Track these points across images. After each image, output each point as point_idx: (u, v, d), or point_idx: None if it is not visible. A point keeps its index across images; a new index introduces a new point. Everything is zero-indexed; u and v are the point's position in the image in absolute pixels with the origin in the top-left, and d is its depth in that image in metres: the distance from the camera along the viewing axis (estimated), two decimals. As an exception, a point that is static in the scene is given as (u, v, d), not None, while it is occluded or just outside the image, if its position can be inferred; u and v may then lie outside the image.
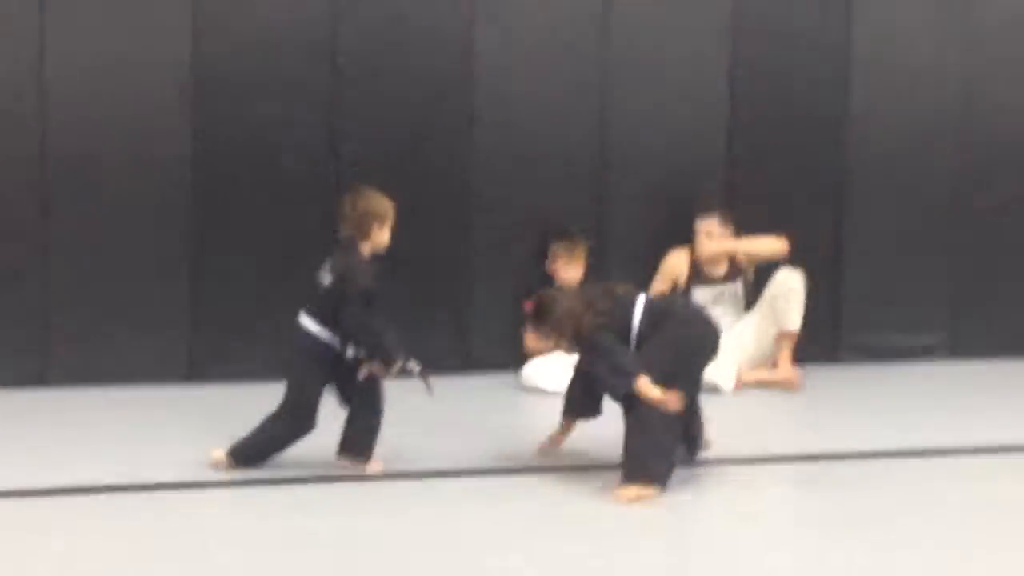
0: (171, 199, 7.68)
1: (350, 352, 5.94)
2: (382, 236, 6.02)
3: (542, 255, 8.13)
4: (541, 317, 6.04)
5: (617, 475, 5.79)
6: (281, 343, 6.17)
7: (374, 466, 6.03)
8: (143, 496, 5.73)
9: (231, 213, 7.78)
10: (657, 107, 8.31)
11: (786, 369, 8.01)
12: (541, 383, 7.71)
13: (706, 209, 8.12)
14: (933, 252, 8.86)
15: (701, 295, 8.05)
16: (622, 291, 6.09)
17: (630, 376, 5.77)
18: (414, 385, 5.99)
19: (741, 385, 7.93)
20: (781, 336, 8.03)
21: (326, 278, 5.93)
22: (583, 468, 6.16)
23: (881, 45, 8.65)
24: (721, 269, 8.20)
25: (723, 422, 6.78)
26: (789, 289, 8.04)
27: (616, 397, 5.90)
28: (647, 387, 5.74)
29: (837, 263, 8.71)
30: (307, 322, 5.95)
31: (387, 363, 5.89)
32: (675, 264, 8.17)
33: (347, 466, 6.03)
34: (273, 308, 7.20)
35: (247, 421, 6.03)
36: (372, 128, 7.92)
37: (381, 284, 5.97)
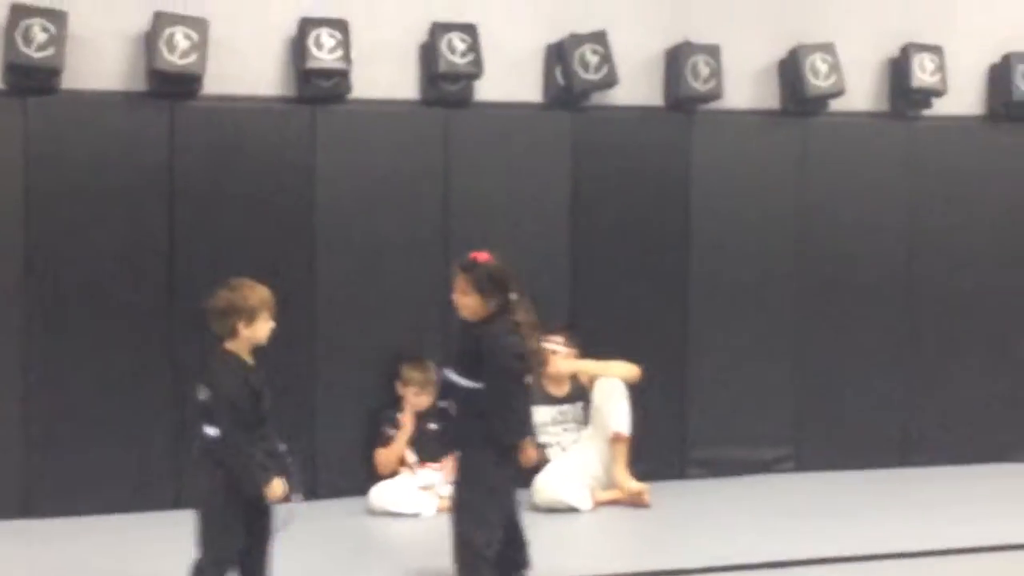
0: (3, 325, 7.59)
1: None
2: (255, 331, 5.59)
3: (391, 379, 8.11)
4: (479, 270, 5.89)
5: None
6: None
7: None
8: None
9: (64, 344, 7.68)
10: (500, 229, 8.38)
11: (627, 482, 8.02)
12: (389, 505, 7.66)
13: (551, 329, 8.19)
14: (776, 368, 9.01)
15: (541, 414, 8.07)
16: None
17: (522, 432, 5.89)
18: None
19: (597, 504, 7.94)
20: (612, 442, 8.07)
21: (202, 392, 5.56)
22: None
23: (720, 160, 8.87)
24: (564, 389, 8.25)
25: (577, 540, 6.78)
26: (609, 394, 8.11)
27: (500, 438, 5.84)
28: (530, 450, 5.94)
29: (681, 380, 8.80)
30: (207, 430, 5.52)
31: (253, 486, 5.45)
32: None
33: None
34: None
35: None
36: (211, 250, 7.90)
37: (261, 386, 5.61)
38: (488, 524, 5.83)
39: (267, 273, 7.80)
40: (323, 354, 8.10)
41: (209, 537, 5.52)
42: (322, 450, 8.08)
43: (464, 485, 5.91)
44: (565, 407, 8.23)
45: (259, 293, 5.64)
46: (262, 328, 5.62)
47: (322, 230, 8.13)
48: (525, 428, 6.00)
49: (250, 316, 5.59)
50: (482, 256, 5.93)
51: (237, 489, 5.48)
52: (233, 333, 5.59)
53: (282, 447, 5.65)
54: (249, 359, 5.66)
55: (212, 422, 5.52)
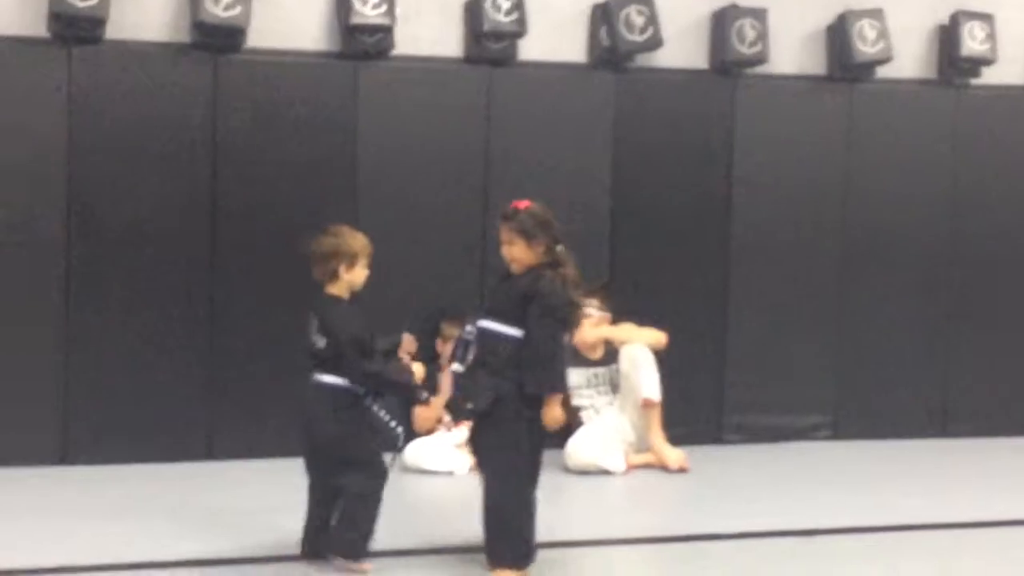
0: (46, 280, 7.62)
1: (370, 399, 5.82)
2: (353, 275, 5.85)
3: (432, 334, 8.11)
4: (521, 215, 5.79)
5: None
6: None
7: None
8: None
9: (104, 296, 7.72)
10: (541, 190, 8.33)
11: (665, 449, 8.02)
12: (423, 463, 7.69)
13: (586, 293, 8.16)
14: (816, 336, 8.97)
15: (576, 377, 8.07)
16: None
17: (556, 384, 5.70)
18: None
19: (631, 467, 7.94)
20: (643, 408, 8.06)
21: (319, 341, 5.77)
22: (462, 549, 6.10)
23: (764, 126, 8.81)
24: (597, 352, 8.23)
25: (610, 504, 6.78)
26: (635, 361, 8.08)
27: (536, 386, 5.67)
28: (557, 408, 5.69)
29: (721, 346, 8.78)
30: (323, 379, 5.77)
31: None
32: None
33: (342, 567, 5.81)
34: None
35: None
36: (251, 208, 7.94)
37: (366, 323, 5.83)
38: (523, 493, 5.74)
39: (307, 229, 7.91)
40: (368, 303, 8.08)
41: (362, 468, 5.78)
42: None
43: (495, 447, 5.78)
44: (599, 369, 8.21)
45: (359, 239, 5.89)
46: (360, 273, 5.86)
47: (363, 186, 8.12)
48: (561, 382, 5.83)
49: (351, 260, 5.83)
50: (523, 203, 5.86)
51: (372, 428, 5.82)
52: (334, 276, 5.82)
53: None
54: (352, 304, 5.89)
55: (331, 370, 5.74)
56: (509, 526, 5.71)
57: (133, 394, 7.75)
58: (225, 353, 7.89)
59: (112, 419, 7.71)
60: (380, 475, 5.84)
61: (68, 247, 7.64)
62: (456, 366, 5.92)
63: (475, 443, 6.00)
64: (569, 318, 5.83)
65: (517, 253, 5.82)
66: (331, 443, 5.81)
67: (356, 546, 5.78)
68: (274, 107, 7.96)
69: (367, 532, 5.80)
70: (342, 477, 5.78)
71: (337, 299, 5.85)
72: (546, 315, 5.68)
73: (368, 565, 5.80)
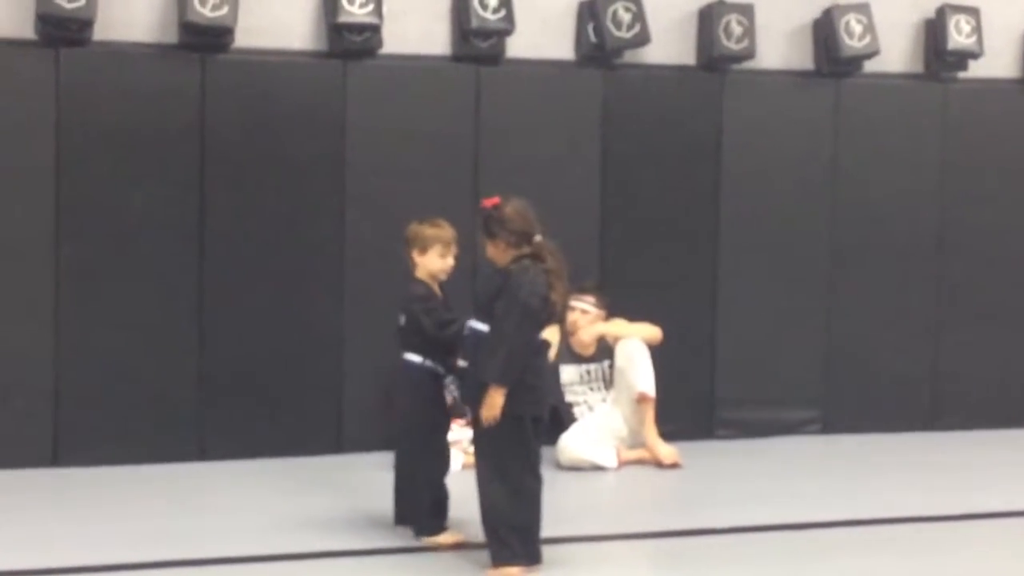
0: (35, 280, 7.61)
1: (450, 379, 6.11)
2: (427, 262, 6.25)
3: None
4: (485, 215, 5.82)
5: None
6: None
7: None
8: None
9: (94, 296, 7.70)
10: (530, 188, 8.33)
11: (658, 446, 8.03)
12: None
13: (580, 290, 8.17)
14: (805, 330, 8.99)
15: (569, 373, 8.11)
16: None
17: (499, 374, 5.58)
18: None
19: (623, 463, 7.95)
20: (638, 402, 8.07)
21: (400, 319, 6.22)
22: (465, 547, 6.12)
23: (752, 121, 8.81)
24: (590, 349, 8.23)
25: (602, 500, 6.78)
26: (630, 356, 8.09)
27: (480, 379, 5.65)
28: (496, 395, 5.60)
29: (711, 341, 8.79)
30: (407, 357, 6.20)
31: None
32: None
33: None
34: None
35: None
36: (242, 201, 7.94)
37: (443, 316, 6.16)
38: (521, 491, 5.73)
39: (296, 227, 7.99)
40: (351, 308, 8.10)
41: (416, 443, 6.24)
42: (348, 404, 8.11)
43: (487, 444, 5.77)
44: (591, 366, 8.22)
45: (436, 228, 6.32)
46: (433, 260, 6.26)
47: (352, 184, 8.11)
48: (504, 373, 5.59)
49: (422, 247, 6.26)
50: (490, 201, 5.86)
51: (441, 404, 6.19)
52: (411, 261, 6.29)
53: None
54: (436, 289, 6.29)
55: (413, 349, 6.18)
56: (505, 523, 5.70)
57: (124, 395, 7.73)
58: (216, 353, 7.88)
59: (103, 421, 7.69)
60: (444, 459, 6.25)
61: (57, 247, 7.63)
62: (462, 363, 5.94)
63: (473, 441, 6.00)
64: (542, 312, 5.70)
65: (489, 252, 5.87)
66: (405, 419, 6.26)
67: (425, 521, 6.17)
68: (262, 106, 7.95)
69: (434, 508, 6.17)
70: (411, 454, 6.24)
71: (416, 280, 6.26)
72: (508, 310, 5.63)
73: (446, 539, 6.14)
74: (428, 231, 6.30)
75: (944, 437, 9.02)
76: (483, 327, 5.76)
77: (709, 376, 8.80)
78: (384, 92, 8.16)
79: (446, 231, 6.34)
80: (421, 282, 6.28)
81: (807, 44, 8.95)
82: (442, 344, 6.13)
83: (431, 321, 6.14)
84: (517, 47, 8.40)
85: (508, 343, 5.62)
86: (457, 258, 6.40)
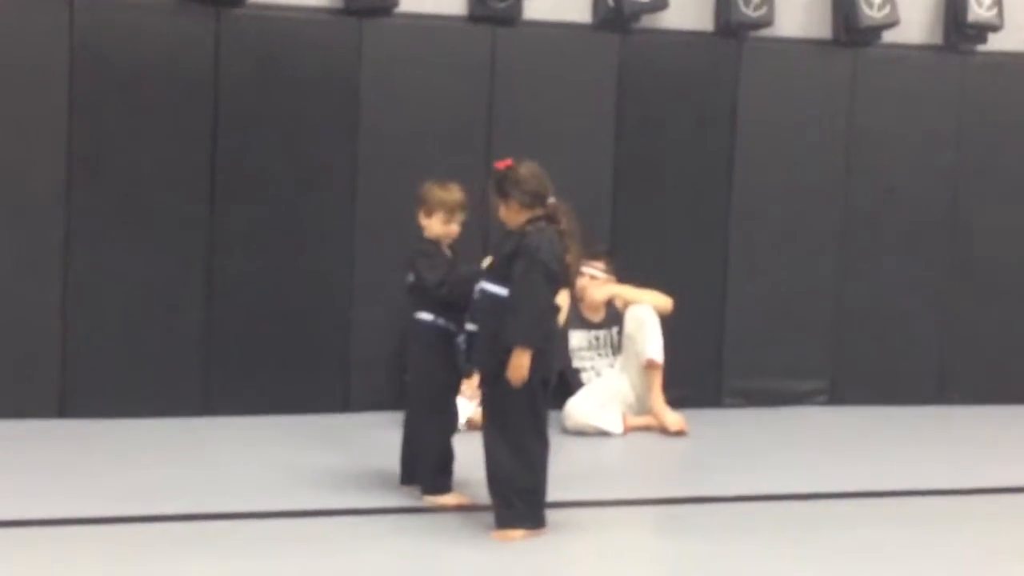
0: (45, 231, 7.61)
1: (462, 338, 5.99)
2: (431, 225, 6.23)
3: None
4: (498, 176, 5.78)
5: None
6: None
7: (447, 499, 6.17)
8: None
9: (103, 251, 7.70)
10: (543, 152, 8.30)
11: (665, 413, 8.02)
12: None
13: (590, 255, 8.15)
14: (815, 301, 8.96)
15: (577, 339, 8.10)
16: None
17: (531, 338, 5.57)
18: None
19: (629, 429, 7.94)
20: (646, 369, 8.05)
21: (409, 276, 6.20)
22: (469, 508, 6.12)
23: (769, 89, 8.77)
24: (599, 314, 8.22)
25: (607, 466, 6.77)
26: (640, 322, 8.07)
27: (506, 342, 5.59)
28: (523, 357, 5.58)
29: (720, 309, 8.77)
30: (419, 315, 6.18)
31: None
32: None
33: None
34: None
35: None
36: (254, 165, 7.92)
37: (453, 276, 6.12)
38: (527, 454, 5.71)
39: (307, 183, 7.96)
40: (361, 267, 8.09)
41: (424, 402, 6.23)
42: (357, 365, 8.10)
43: (494, 406, 5.76)
44: (600, 332, 8.20)
45: (443, 192, 6.26)
46: (436, 224, 6.23)
47: (364, 143, 8.09)
48: (530, 335, 5.60)
49: (428, 210, 6.24)
50: (503, 163, 5.83)
51: (452, 364, 6.11)
52: (419, 222, 6.25)
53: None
54: (445, 250, 6.27)
55: (425, 307, 6.17)
56: (511, 486, 5.70)
57: (131, 348, 7.74)
58: (223, 309, 7.88)
59: (109, 373, 7.71)
60: (450, 420, 6.23)
61: (68, 198, 7.61)
62: (471, 326, 5.90)
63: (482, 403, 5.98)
64: (558, 275, 5.70)
65: (502, 214, 5.82)
66: (415, 376, 6.27)
67: (429, 480, 6.17)
68: (276, 62, 7.92)
69: (439, 468, 6.16)
70: (419, 413, 6.23)
71: (422, 239, 6.25)
72: (528, 270, 5.60)
73: (451, 499, 6.14)
74: (435, 194, 6.25)
75: (952, 411, 9.01)
76: (495, 288, 5.73)
77: (717, 344, 8.78)
78: (399, 51, 8.12)
79: (453, 195, 6.26)
80: (428, 240, 6.26)
81: (826, 13, 8.89)
82: (450, 302, 6.08)
83: (431, 278, 6.10)
84: (534, 9, 8.36)
85: (531, 304, 5.61)
86: (464, 224, 6.34)
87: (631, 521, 6.39)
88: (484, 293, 5.80)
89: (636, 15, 8.42)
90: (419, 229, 6.31)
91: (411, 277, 6.20)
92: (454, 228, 6.27)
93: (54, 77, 7.56)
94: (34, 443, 7.15)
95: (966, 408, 9.06)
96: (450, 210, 6.23)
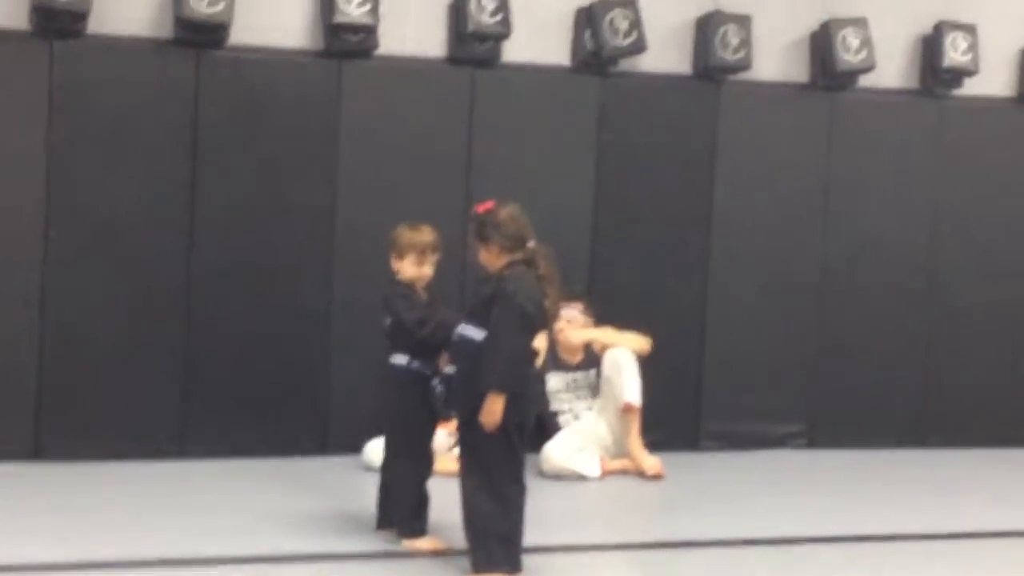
0: (22, 272, 7.59)
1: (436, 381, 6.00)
2: (402, 267, 6.21)
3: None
4: (478, 219, 5.78)
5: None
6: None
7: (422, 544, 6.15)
8: None
9: (82, 291, 7.68)
10: (523, 194, 8.30)
11: (642, 456, 8.01)
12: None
13: (569, 297, 8.14)
14: (793, 344, 8.98)
15: (555, 381, 8.09)
16: None
17: (506, 381, 5.54)
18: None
19: (607, 473, 7.93)
20: (624, 412, 8.04)
21: (385, 319, 6.18)
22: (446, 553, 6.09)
23: (747, 132, 8.81)
24: (577, 357, 8.22)
25: (584, 510, 6.76)
26: (618, 365, 8.06)
27: (480, 387, 5.57)
28: (496, 402, 5.55)
29: (698, 352, 8.78)
30: (397, 359, 6.14)
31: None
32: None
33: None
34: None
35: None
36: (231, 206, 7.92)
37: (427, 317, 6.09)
38: (504, 499, 5.69)
39: (286, 226, 7.96)
40: (339, 310, 8.08)
41: (399, 445, 6.22)
42: (335, 406, 8.09)
43: (470, 450, 5.74)
44: (578, 374, 8.20)
45: (413, 234, 6.24)
46: (410, 267, 6.21)
47: (344, 185, 8.09)
48: (504, 380, 5.55)
49: (400, 252, 6.22)
50: (483, 206, 5.82)
51: (427, 407, 6.09)
52: (391, 266, 6.22)
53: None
54: (420, 292, 6.23)
55: (399, 350, 6.15)
56: (488, 531, 5.68)
57: (107, 390, 7.71)
58: (201, 351, 7.85)
59: (85, 416, 7.67)
60: (425, 464, 6.20)
61: (46, 241, 7.60)
62: (449, 368, 5.90)
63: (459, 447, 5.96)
64: (536, 318, 5.67)
65: (482, 257, 5.82)
66: (390, 421, 6.27)
67: (406, 524, 6.16)
68: (256, 104, 7.93)
69: (413, 513, 6.14)
70: (395, 456, 6.21)
71: (396, 282, 6.22)
72: (505, 314, 5.59)
73: (426, 544, 6.11)
74: (405, 237, 6.22)
75: (930, 454, 9.01)
76: (472, 332, 5.73)
77: (696, 387, 8.79)
78: (379, 93, 8.15)
79: (424, 236, 6.23)
80: (402, 283, 6.23)
81: (803, 56, 8.95)
82: (426, 344, 6.07)
83: (411, 318, 6.08)
84: (513, 51, 8.39)
85: (507, 350, 5.59)
86: (438, 264, 6.31)
87: (608, 566, 6.37)
88: (461, 337, 5.80)
89: (614, 58, 8.46)
90: (394, 273, 6.30)
91: (387, 320, 6.18)
92: (427, 270, 6.25)
93: (34, 117, 7.55)
94: (9, 486, 7.11)
95: (944, 451, 9.06)
96: (421, 251, 6.21)
